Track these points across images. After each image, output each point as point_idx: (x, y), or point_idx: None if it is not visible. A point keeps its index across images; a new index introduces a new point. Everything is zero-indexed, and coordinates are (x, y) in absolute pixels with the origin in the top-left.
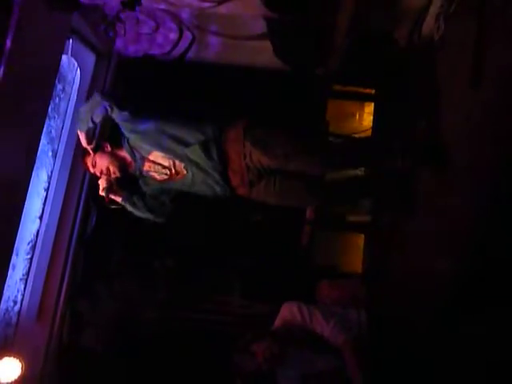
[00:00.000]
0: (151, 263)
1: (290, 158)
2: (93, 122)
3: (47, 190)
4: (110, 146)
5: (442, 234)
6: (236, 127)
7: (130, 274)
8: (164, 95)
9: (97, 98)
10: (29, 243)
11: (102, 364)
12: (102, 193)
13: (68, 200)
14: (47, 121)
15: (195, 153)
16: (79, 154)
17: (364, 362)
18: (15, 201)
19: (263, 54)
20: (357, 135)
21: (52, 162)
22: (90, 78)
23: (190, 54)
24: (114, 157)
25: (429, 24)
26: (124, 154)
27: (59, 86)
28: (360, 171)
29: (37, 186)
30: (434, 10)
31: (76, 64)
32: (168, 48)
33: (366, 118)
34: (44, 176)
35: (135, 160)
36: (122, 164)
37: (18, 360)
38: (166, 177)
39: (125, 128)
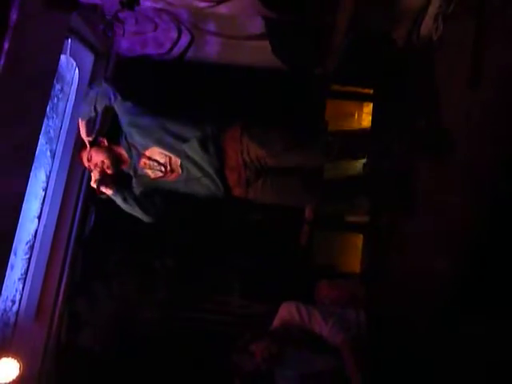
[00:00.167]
0: (150, 263)
1: (288, 151)
2: (95, 110)
3: (45, 190)
4: (107, 141)
5: (441, 233)
6: (233, 126)
7: (129, 274)
8: (162, 95)
9: (102, 84)
10: (27, 243)
11: (101, 364)
12: (93, 184)
13: (66, 200)
14: (45, 121)
15: (193, 148)
16: (77, 153)
17: (363, 361)
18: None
19: (261, 54)
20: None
21: (50, 162)
22: (89, 77)
23: (189, 54)
24: (110, 152)
25: (427, 24)
26: (120, 150)
27: (58, 86)
28: (358, 168)
29: (35, 186)
30: (432, 10)
31: (74, 64)
32: (167, 48)
33: (365, 117)
34: (42, 176)
35: (131, 157)
36: (117, 160)
37: (16, 360)
38: (160, 174)
39: (125, 121)
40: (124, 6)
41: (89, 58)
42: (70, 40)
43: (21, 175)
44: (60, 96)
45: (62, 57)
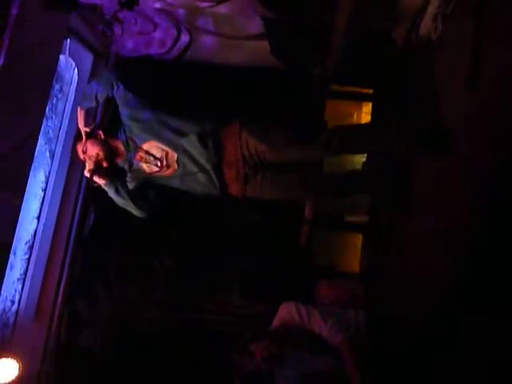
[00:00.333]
0: (150, 263)
1: (288, 145)
2: (96, 100)
3: (45, 190)
4: (104, 134)
5: (440, 233)
6: (233, 123)
7: (129, 274)
8: (162, 95)
9: (107, 74)
10: (26, 243)
11: (100, 364)
12: (86, 173)
13: (66, 200)
14: (45, 121)
15: (191, 143)
16: (73, 145)
17: (362, 361)
18: (13, 200)
19: (260, 54)
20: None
21: (49, 163)
22: (88, 78)
23: (188, 54)
24: (106, 145)
25: (426, 24)
26: (117, 143)
27: (57, 86)
28: (358, 166)
29: (34, 186)
30: (431, 9)
31: (74, 64)
32: (166, 48)
33: (364, 117)
34: (41, 176)
35: (128, 150)
36: (112, 153)
37: (15, 360)
38: (155, 168)
39: (125, 114)
40: (123, 6)
41: (88, 58)
42: (69, 40)
43: (20, 175)
44: (59, 96)
45: (61, 57)
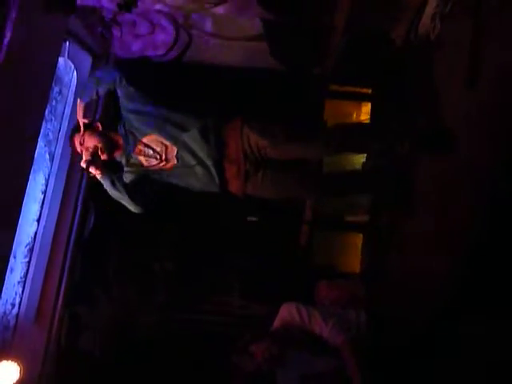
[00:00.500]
0: (149, 265)
1: (289, 142)
2: (97, 93)
3: (44, 192)
4: (103, 127)
5: (440, 233)
6: (234, 119)
7: (129, 277)
8: (164, 92)
9: (110, 67)
10: (26, 246)
11: (101, 367)
12: (82, 164)
13: (65, 202)
14: (44, 123)
15: (193, 138)
16: (76, 156)
17: (363, 362)
18: (12, 203)
19: (260, 55)
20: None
21: (49, 165)
22: (90, 71)
23: (187, 55)
24: (105, 137)
25: (425, 23)
26: (115, 136)
27: (56, 89)
28: (358, 165)
29: (34, 188)
30: (429, 9)
31: (73, 66)
32: (165, 49)
33: (364, 117)
34: (41, 179)
35: (127, 143)
36: (110, 146)
37: (16, 363)
38: (154, 162)
39: (126, 107)
40: (121, 8)
41: (87, 61)
42: (68, 42)
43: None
44: (58, 98)
45: (60, 59)
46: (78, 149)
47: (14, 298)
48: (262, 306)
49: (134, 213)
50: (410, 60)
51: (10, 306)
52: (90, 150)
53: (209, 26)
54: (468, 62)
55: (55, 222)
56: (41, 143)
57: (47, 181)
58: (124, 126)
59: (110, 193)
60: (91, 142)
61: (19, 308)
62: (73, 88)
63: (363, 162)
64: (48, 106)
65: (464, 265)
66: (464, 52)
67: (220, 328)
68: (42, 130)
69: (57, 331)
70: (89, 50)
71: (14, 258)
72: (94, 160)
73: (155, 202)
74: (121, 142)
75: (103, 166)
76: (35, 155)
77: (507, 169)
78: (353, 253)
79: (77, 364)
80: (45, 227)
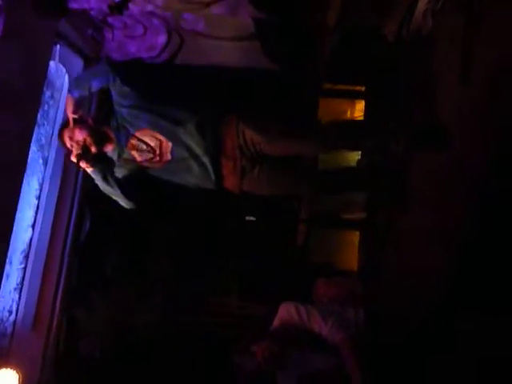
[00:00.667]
0: (147, 267)
1: (284, 138)
2: (89, 90)
3: (39, 198)
4: (94, 121)
5: (436, 230)
6: (230, 116)
7: (126, 279)
8: (156, 95)
9: (104, 66)
10: (22, 252)
11: (100, 371)
12: (73, 158)
13: (60, 207)
14: (36, 128)
15: (188, 133)
16: (70, 160)
17: (362, 359)
18: (6, 209)
19: (252, 55)
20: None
21: (43, 170)
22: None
23: (180, 57)
24: (95, 131)
25: (417, 20)
26: (106, 130)
27: (47, 93)
28: (353, 163)
29: (28, 194)
30: (421, 5)
31: (64, 70)
32: (157, 51)
33: (358, 115)
34: (35, 184)
35: (119, 138)
36: (101, 139)
37: (14, 371)
38: (147, 157)
39: (119, 102)
40: (113, 10)
41: (78, 64)
42: (58, 46)
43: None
44: (50, 103)
45: (52, 63)
46: (68, 143)
47: (11, 305)
48: (261, 306)
49: (130, 215)
50: (402, 57)
51: (6, 313)
52: (80, 143)
53: (201, 26)
54: (460, 59)
55: (50, 227)
56: (33, 148)
57: (41, 186)
58: (116, 120)
59: (101, 187)
60: (81, 135)
61: (16, 315)
62: (65, 92)
63: (358, 159)
64: (40, 110)
65: (459, 261)
66: (457, 48)
67: (219, 329)
68: (34, 135)
69: (55, 337)
70: (80, 53)
71: (10, 264)
72: (84, 153)
73: (148, 198)
74: (112, 135)
75: (94, 160)
76: (28, 160)
77: (499, 165)
78: (350, 250)
79: (76, 369)
80: (40, 233)
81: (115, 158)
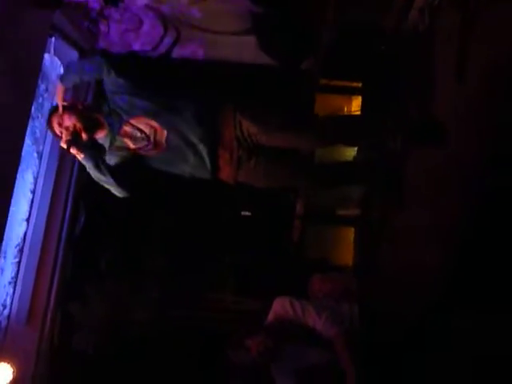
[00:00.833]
0: (142, 262)
1: (280, 130)
2: (81, 80)
3: (33, 191)
4: (83, 105)
5: (431, 227)
6: (227, 106)
7: (121, 274)
8: (150, 88)
9: (99, 59)
10: (16, 246)
11: (94, 366)
12: (63, 144)
13: (55, 201)
14: (31, 121)
15: (185, 122)
16: (65, 153)
17: (356, 354)
18: (0, 203)
19: (248, 49)
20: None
21: (37, 163)
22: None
23: (176, 50)
24: (85, 117)
25: (414, 16)
26: (97, 115)
27: (42, 86)
28: (349, 159)
29: (23, 187)
30: (418, 2)
31: (59, 62)
32: (153, 44)
33: (355, 111)
34: (30, 178)
35: (111, 124)
36: (92, 125)
37: (9, 365)
38: (141, 145)
39: (112, 89)
40: (108, 2)
41: (73, 56)
42: (53, 38)
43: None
44: (45, 96)
45: (46, 55)
46: (57, 130)
47: (5, 299)
48: (256, 301)
49: (125, 209)
50: (399, 53)
51: (1, 307)
52: (70, 129)
53: (197, 20)
54: (456, 57)
55: (45, 221)
56: (28, 141)
57: (36, 179)
58: (109, 106)
59: (92, 175)
60: (70, 121)
61: (10, 309)
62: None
63: (354, 155)
64: (34, 103)
65: (455, 258)
66: (453, 46)
67: (214, 324)
68: (29, 128)
69: (49, 331)
70: (75, 45)
71: (4, 258)
72: (74, 140)
73: (142, 186)
74: (103, 121)
75: (85, 147)
76: (23, 153)
77: (495, 163)
78: (345, 246)
79: (70, 363)
80: (34, 227)
81: (107, 145)
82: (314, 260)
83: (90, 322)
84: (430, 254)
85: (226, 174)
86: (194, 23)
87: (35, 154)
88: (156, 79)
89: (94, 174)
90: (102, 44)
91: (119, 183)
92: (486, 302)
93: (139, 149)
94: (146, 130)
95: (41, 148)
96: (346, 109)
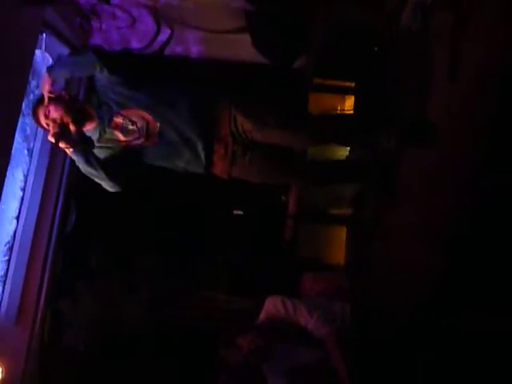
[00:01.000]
0: (133, 261)
1: (273, 126)
2: (71, 75)
3: (24, 189)
4: (70, 96)
5: (423, 225)
6: (223, 100)
7: (112, 272)
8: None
9: (91, 57)
10: (6, 244)
11: (85, 364)
12: (51, 138)
13: (46, 199)
14: (21, 118)
15: (180, 114)
16: (56, 151)
17: (348, 353)
18: None
19: (242, 48)
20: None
21: (28, 161)
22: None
23: (169, 48)
24: (72, 108)
25: (407, 15)
26: (86, 106)
27: (33, 83)
28: (342, 158)
29: (13, 185)
30: (411, 1)
31: (50, 59)
32: (146, 42)
33: (348, 111)
34: (20, 175)
35: (101, 116)
36: (81, 117)
37: None
38: (132, 138)
39: (104, 83)
40: None
41: (65, 53)
42: (45, 35)
43: None
44: (36, 92)
45: (38, 52)
46: (43, 122)
47: None
48: (248, 300)
49: (116, 207)
50: (391, 53)
51: None
52: (58, 121)
53: (190, 18)
54: (449, 56)
55: (35, 219)
56: (18, 138)
57: (26, 177)
58: (98, 97)
59: (82, 170)
60: (57, 112)
61: (0, 307)
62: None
63: (347, 155)
64: (25, 99)
65: (447, 257)
66: (445, 46)
67: (206, 322)
68: (19, 125)
69: (39, 329)
70: (67, 42)
71: None
72: (62, 133)
73: (134, 181)
74: (92, 112)
75: (75, 141)
76: (13, 151)
77: (488, 162)
78: (337, 245)
79: (61, 361)
80: (24, 225)
81: (96, 137)
82: (306, 259)
83: (81, 320)
84: (422, 252)
85: (220, 168)
86: (188, 21)
87: (25, 151)
88: (150, 75)
89: (84, 168)
90: (94, 41)
91: (111, 177)
92: (477, 300)
93: (130, 141)
94: (138, 123)
95: (31, 145)
96: (339, 108)
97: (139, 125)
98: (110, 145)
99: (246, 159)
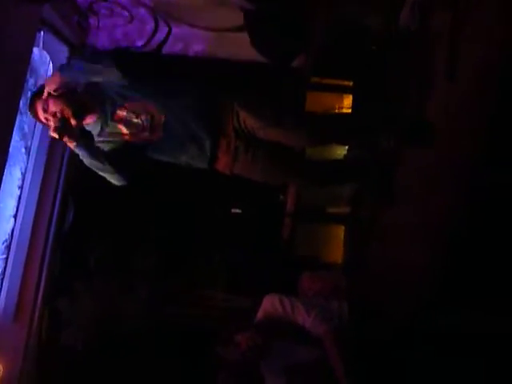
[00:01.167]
0: (131, 259)
1: (273, 125)
2: (88, 80)
3: (21, 187)
4: (69, 88)
5: (421, 225)
6: (226, 96)
7: (110, 271)
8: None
9: (110, 62)
10: (3, 243)
11: (83, 362)
12: (52, 133)
13: (43, 197)
14: (19, 116)
15: (185, 108)
16: (54, 149)
17: (345, 351)
18: None
19: (240, 47)
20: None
21: (25, 159)
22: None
23: (167, 47)
24: (72, 101)
25: (405, 14)
26: (86, 99)
27: (31, 81)
28: (340, 157)
29: (10, 183)
30: (409, 0)
31: (48, 57)
32: (144, 40)
33: (346, 110)
34: (17, 173)
35: (103, 110)
36: (80, 110)
37: None
38: (136, 131)
39: (111, 85)
40: None
41: (63, 51)
42: (42, 33)
43: None
44: (34, 90)
45: (35, 50)
46: (42, 116)
47: None
48: (246, 299)
49: (114, 205)
50: (390, 52)
51: None
52: (58, 115)
53: (189, 16)
54: (447, 56)
55: (33, 217)
56: (16, 137)
57: (24, 175)
58: (102, 90)
59: (86, 163)
60: (57, 106)
61: None
62: None
63: (345, 154)
64: (23, 97)
65: (444, 257)
66: (443, 45)
67: (204, 321)
68: (17, 123)
69: (37, 327)
70: (65, 40)
71: None
72: (64, 127)
73: (139, 175)
74: (93, 105)
75: (78, 135)
76: (10, 149)
77: (486, 162)
78: (335, 244)
79: (58, 360)
80: (22, 223)
81: (97, 130)
82: (304, 257)
83: (79, 319)
84: (420, 252)
85: (222, 164)
86: (186, 20)
87: (23, 150)
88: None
89: (90, 162)
90: (92, 39)
91: (118, 170)
92: (474, 300)
93: (133, 135)
94: (142, 116)
95: (29, 143)
96: (337, 107)
97: (143, 118)
98: (112, 138)
99: (248, 156)
